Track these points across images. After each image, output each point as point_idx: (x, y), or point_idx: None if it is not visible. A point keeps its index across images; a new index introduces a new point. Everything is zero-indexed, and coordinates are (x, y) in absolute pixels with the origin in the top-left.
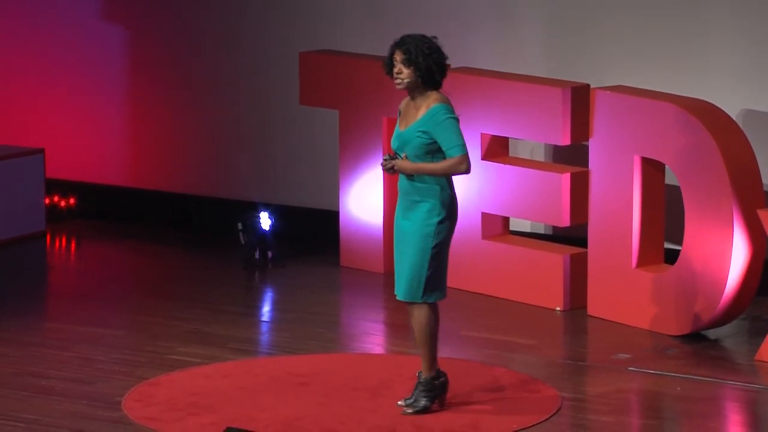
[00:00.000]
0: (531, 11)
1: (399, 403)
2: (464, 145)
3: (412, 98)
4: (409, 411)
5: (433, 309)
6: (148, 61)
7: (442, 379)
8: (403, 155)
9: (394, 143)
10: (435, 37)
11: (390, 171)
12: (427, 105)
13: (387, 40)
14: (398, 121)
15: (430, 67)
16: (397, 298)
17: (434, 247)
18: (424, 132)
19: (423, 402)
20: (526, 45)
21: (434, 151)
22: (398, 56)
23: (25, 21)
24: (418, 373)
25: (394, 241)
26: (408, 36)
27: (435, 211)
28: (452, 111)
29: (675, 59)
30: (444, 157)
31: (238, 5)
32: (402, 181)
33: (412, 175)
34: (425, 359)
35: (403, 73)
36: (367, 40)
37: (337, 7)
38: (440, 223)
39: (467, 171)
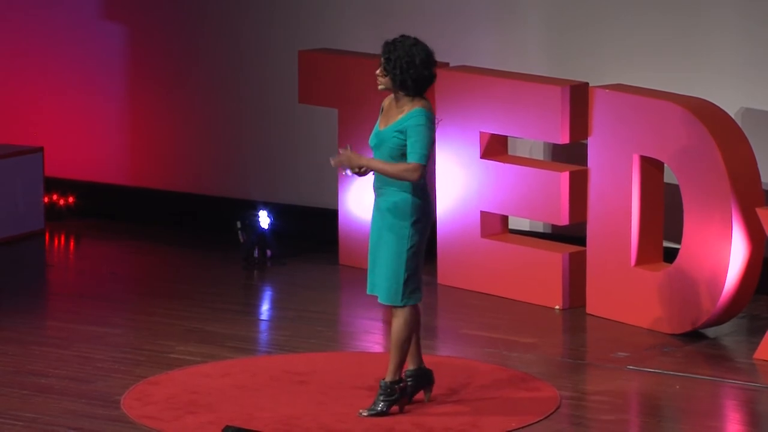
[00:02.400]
0: (531, 10)
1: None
2: (426, 157)
3: (396, 98)
4: (365, 414)
5: (413, 312)
6: (147, 60)
7: (402, 384)
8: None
9: (372, 141)
10: (429, 50)
11: (341, 167)
12: (409, 108)
13: (386, 38)
14: (379, 119)
15: (405, 81)
16: (379, 301)
17: (409, 249)
18: (400, 132)
19: (381, 406)
20: (525, 43)
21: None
22: (381, 61)
23: (25, 20)
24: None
25: (371, 238)
26: (399, 41)
27: (407, 213)
28: (432, 120)
29: (674, 58)
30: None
31: (239, 4)
32: (376, 179)
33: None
34: (393, 363)
35: (382, 78)
36: (367, 39)
37: (336, 6)
38: (413, 225)
39: (417, 180)
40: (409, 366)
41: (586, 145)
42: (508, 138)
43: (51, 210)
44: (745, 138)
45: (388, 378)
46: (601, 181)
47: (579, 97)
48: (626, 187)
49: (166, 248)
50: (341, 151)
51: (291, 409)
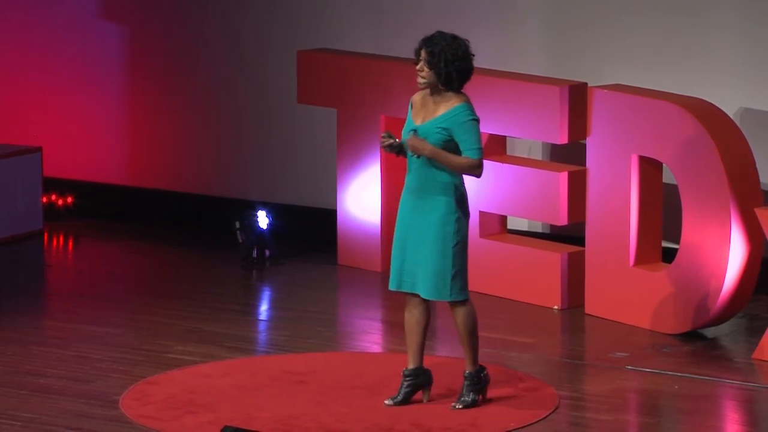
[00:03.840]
0: (530, 10)
1: (386, 402)
2: (482, 149)
3: (432, 94)
4: (459, 406)
5: (471, 304)
6: (146, 60)
7: (485, 372)
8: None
9: (407, 136)
10: (467, 43)
11: (389, 149)
12: (450, 103)
13: (385, 38)
14: (411, 114)
15: (450, 74)
16: (423, 296)
17: (455, 246)
18: (444, 129)
19: (471, 396)
20: (524, 43)
21: (450, 149)
22: (423, 54)
23: (24, 20)
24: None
25: (399, 236)
26: (440, 36)
27: (452, 208)
28: (474, 112)
29: (673, 58)
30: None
31: (238, 4)
32: (414, 177)
33: (427, 171)
34: (470, 354)
35: (424, 72)
36: (366, 39)
37: (336, 6)
38: (458, 221)
39: (479, 175)
40: (409, 365)
41: (585, 145)
42: (507, 138)
43: (50, 210)
44: (744, 138)
45: (471, 368)
46: (599, 181)
47: (578, 98)
48: (625, 188)
49: (165, 248)
50: (411, 135)
51: (290, 409)
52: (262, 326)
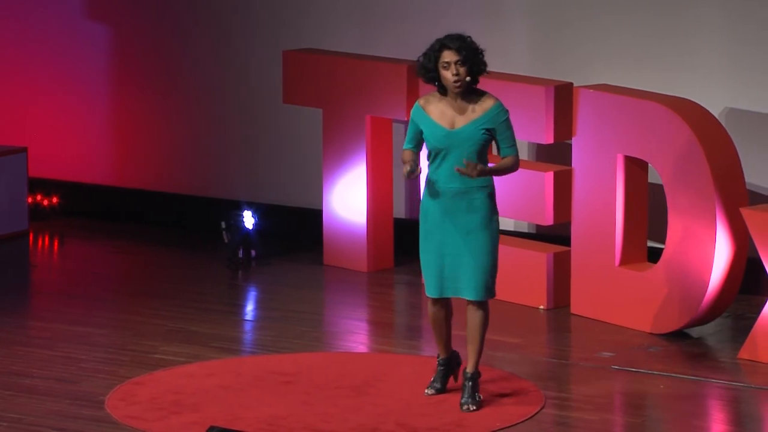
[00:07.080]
0: (515, 10)
1: (427, 391)
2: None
3: (457, 97)
4: (473, 408)
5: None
6: (132, 60)
7: (481, 377)
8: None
9: (440, 142)
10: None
11: (413, 176)
12: (487, 103)
13: (371, 38)
14: (432, 119)
15: (482, 70)
16: (470, 298)
17: (497, 244)
18: (488, 129)
19: (478, 396)
20: (510, 44)
21: (487, 146)
22: (452, 57)
23: (9, 19)
24: (469, 372)
25: (435, 241)
26: (458, 36)
27: (494, 207)
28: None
29: (658, 58)
30: (485, 151)
31: (224, 4)
32: (451, 182)
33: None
34: (477, 355)
35: (461, 74)
36: (351, 39)
37: (321, 6)
38: (497, 219)
39: (517, 169)
40: (442, 355)
41: (571, 145)
42: None
43: (35, 210)
44: (729, 138)
45: (473, 369)
46: (585, 181)
47: (563, 98)
48: (611, 187)
49: (150, 248)
50: (467, 165)
51: (276, 410)
52: (247, 326)
